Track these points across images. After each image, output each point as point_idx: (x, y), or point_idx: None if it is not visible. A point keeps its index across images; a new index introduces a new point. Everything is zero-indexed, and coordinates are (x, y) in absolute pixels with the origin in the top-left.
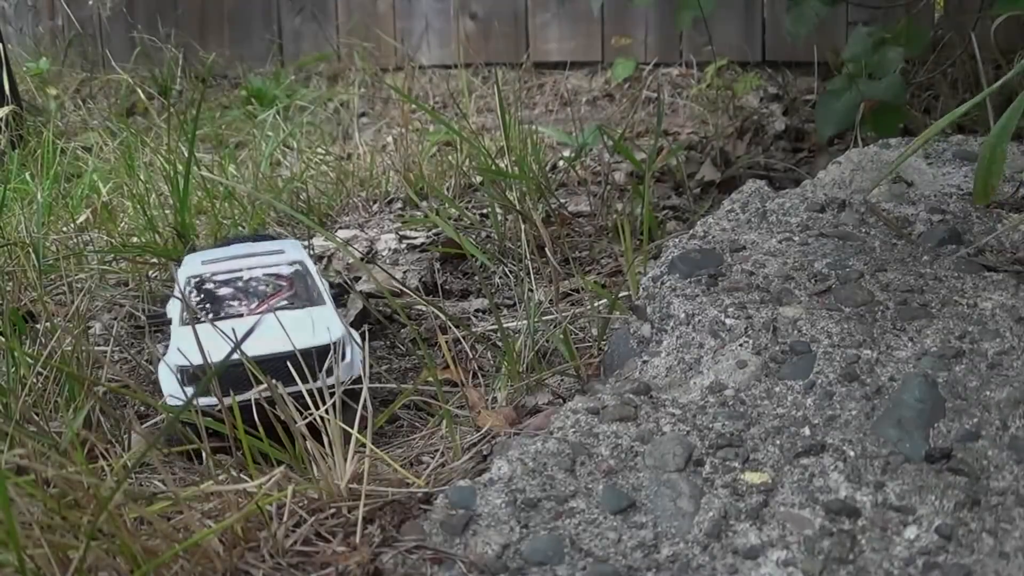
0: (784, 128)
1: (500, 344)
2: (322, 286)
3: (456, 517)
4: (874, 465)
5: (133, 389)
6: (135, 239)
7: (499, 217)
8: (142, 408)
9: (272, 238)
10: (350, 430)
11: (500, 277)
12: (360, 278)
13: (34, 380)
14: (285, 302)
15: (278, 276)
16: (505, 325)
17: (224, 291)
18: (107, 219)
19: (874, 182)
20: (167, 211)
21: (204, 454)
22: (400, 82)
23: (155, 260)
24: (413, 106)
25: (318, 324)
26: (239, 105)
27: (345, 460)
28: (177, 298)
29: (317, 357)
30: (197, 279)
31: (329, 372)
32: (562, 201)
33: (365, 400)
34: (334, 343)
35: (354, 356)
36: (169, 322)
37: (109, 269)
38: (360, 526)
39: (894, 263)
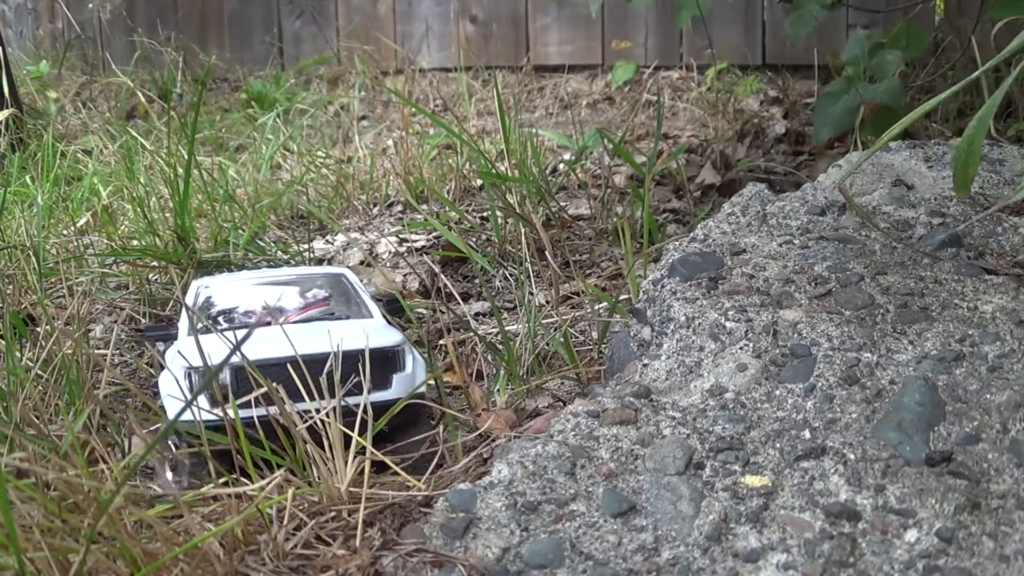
0: (784, 131)
1: (500, 347)
2: (369, 301)
3: (456, 520)
4: (874, 468)
5: (134, 392)
6: (135, 242)
7: (499, 220)
8: (143, 411)
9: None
10: (350, 433)
11: (500, 280)
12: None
13: (34, 383)
14: (318, 314)
15: (312, 290)
16: (505, 328)
17: (244, 305)
18: (107, 222)
19: (849, 173)
20: (167, 214)
21: (205, 458)
22: (400, 85)
23: (155, 263)
24: (413, 109)
25: (367, 332)
26: (239, 108)
27: (345, 463)
28: (187, 305)
29: (379, 361)
30: (208, 291)
31: (385, 382)
32: (562, 204)
33: (365, 404)
34: (395, 348)
35: (416, 367)
36: (170, 338)
37: (109, 272)
38: (360, 529)
39: (894, 266)
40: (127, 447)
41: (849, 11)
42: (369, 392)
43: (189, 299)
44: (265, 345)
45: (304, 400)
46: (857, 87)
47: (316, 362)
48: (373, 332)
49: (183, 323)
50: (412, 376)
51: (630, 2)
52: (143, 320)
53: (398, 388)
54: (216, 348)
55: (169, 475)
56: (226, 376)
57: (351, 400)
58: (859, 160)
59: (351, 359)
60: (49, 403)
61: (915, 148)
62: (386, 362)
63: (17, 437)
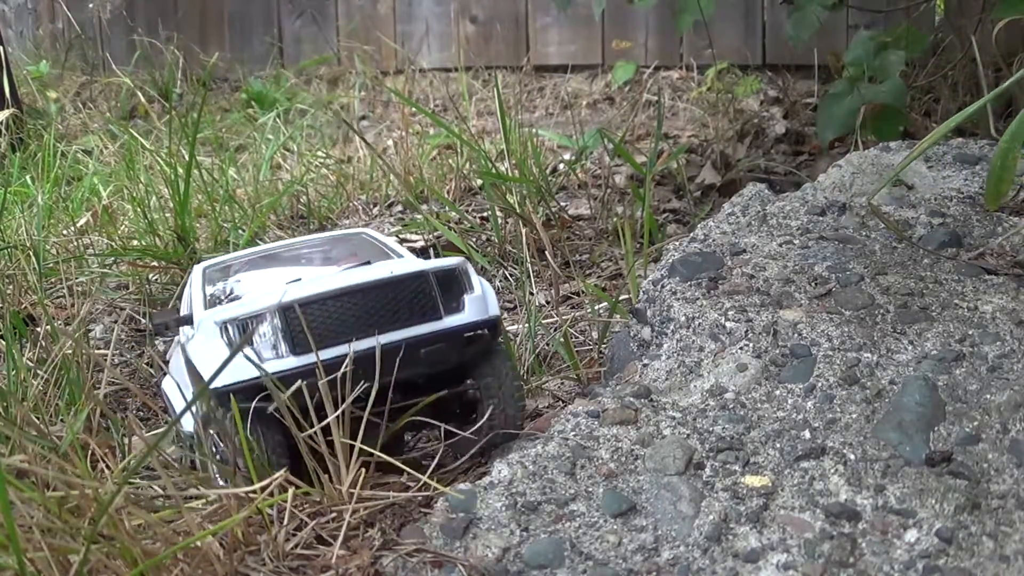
0: (784, 131)
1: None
2: (400, 249)
3: (456, 520)
4: (874, 468)
5: (134, 392)
6: (135, 242)
7: (499, 220)
8: (142, 412)
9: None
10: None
11: (500, 280)
12: None
13: (34, 383)
14: (354, 263)
15: (336, 249)
16: (506, 328)
17: (266, 275)
18: (107, 222)
19: (876, 186)
20: (167, 214)
21: (207, 458)
22: (400, 85)
23: (155, 263)
24: (413, 109)
25: (417, 263)
26: (239, 108)
27: (347, 465)
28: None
29: (445, 284)
30: (217, 270)
31: (456, 305)
32: (562, 204)
33: (380, 405)
34: (459, 267)
35: (485, 289)
36: (182, 322)
37: (109, 272)
38: (361, 529)
39: (894, 266)
40: (127, 447)
41: (850, 11)
42: (441, 317)
43: (196, 280)
44: (318, 284)
45: (369, 337)
46: (860, 88)
47: (377, 289)
48: (427, 260)
49: (197, 300)
50: (483, 298)
51: (632, 3)
52: (143, 320)
53: (472, 310)
54: (253, 303)
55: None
56: (276, 322)
57: (419, 330)
58: (837, 156)
59: (413, 284)
60: (50, 403)
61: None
62: (453, 284)
63: (17, 437)
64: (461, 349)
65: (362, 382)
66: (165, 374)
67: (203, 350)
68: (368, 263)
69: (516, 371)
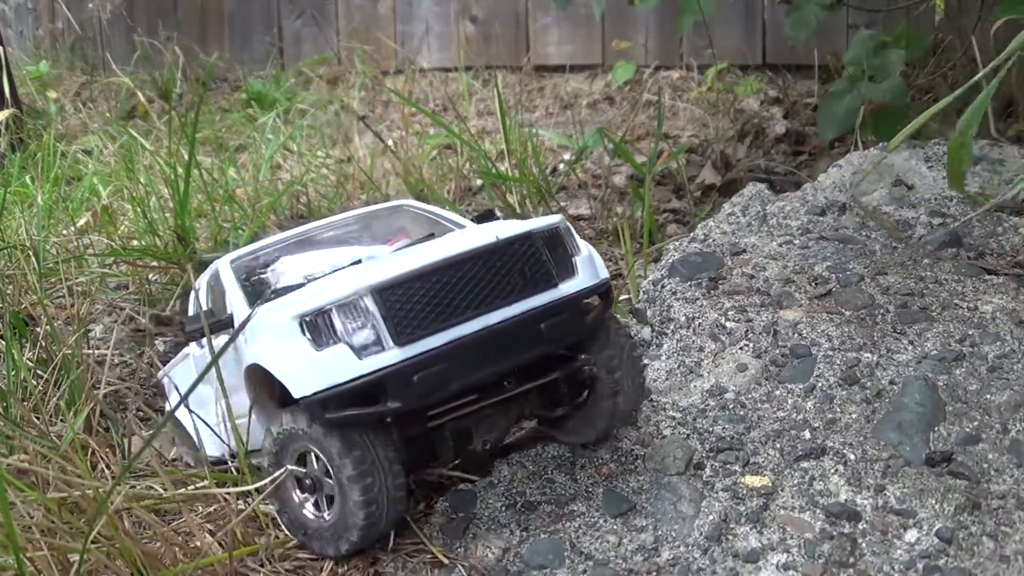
0: (784, 131)
1: None
2: (455, 216)
3: (456, 521)
4: (874, 468)
5: (134, 392)
6: (135, 242)
7: None
8: (142, 412)
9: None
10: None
11: None
12: None
13: (34, 383)
14: (405, 241)
15: (382, 225)
16: None
17: (306, 262)
18: (107, 222)
19: (859, 178)
20: (167, 214)
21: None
22: (400, 85)
23: (155, 263)
24: (413, 109)
25: (518, 223)
26: (239, 108)
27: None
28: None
29: (551, 246)
30: (250, 258)
31: (568, 269)
32: (562, 204)
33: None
34: (561, 226)
35: (591, 251)
36: (222, 326)
37: (109, 272)
38: None
39: (894, 266)
40: (127, 447)
41: (849, 11)
42: (556, 285)
43: (227, 277)
44: (409, 258)
45: (488, 310)
46: (860, 87)
47: (484, 258)
48: (521, 222)
49: (236, 298)
50: (591, 259)
51: (633, 4)
52: (143, 320)
53: (586, 274)
54: (335, 289)
55: (309, 508)
56: (372, 308)
57: (536, 301)
58: (837, 156)
59: (522, 249)
60: (49, 403)
61: (915, 148)
62: (558, 245)
63: (17, 437)
64: (581, 320)
65: (479, 372)
66: (166, 402)
67: (280, 354)
68: (432, 235)
69: (633, 340)
